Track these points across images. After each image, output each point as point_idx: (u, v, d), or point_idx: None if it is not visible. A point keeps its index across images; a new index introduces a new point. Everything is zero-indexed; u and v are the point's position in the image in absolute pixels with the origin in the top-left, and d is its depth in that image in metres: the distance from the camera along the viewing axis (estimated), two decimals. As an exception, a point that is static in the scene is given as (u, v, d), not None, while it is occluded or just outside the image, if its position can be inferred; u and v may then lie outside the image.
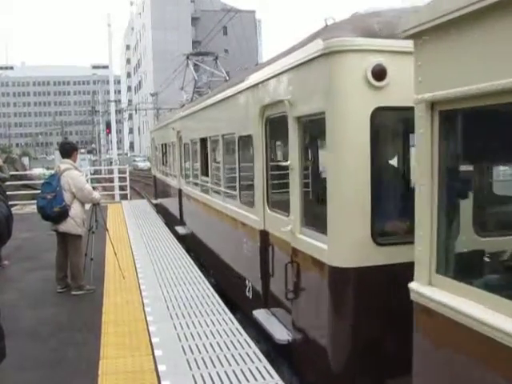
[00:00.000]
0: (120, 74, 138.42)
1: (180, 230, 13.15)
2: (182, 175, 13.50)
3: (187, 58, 17.95)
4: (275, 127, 6.12)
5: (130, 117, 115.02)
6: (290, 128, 5.27)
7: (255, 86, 6.46)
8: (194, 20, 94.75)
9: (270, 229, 6.15)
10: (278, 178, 6.33)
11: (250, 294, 6.98)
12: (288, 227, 5.28)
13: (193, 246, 11.97)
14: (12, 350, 3.47)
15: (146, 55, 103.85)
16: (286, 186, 5.58)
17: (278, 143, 6.73)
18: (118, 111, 65.09)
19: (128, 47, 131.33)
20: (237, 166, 7.57)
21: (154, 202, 21.23)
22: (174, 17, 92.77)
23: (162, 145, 18.00)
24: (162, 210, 18.42)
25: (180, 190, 13.65)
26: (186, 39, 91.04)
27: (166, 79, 67.32)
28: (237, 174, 7.60)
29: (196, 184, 11.22)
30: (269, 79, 5.89)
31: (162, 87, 69.57)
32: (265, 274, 6.26)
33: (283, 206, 5.65)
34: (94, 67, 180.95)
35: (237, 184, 7.63)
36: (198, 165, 10.98)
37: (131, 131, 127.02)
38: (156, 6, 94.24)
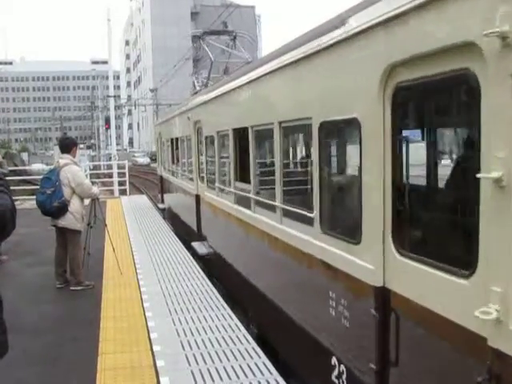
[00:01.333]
0: (119, 70, 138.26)
1: (199, 247, 10.10)
2: (200, 178, 10.70)
3: (199, 38, 15.46)
4: (420, 100, 3.67)
5: (130, 112, 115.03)
6: (497, 96, 2.46)
7: (369, 30, 3.55)
8: (194, 15, 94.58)
9: (403, 290, 3.39)
10: (425, 198, 4.17)
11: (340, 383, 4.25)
12: (490, 311, 2.53)
13: (220, 272, 9.11)
14: (11, 346, 3.45)
15: (146, 51, 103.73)
16: (454, 213, 3.43)
17: (428, 130, 4.15)
18: (118, 107, 65.07)
19: (127, 43, 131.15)
20: (314, 170, 4.66)
21: (161, 206, 18.44)
22: (174, 12, 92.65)
23: (172, 140, 15.20)
24: (171, 217, 16.03)
25: (198, 197, 10.88)
26: (186, 34, 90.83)
27: (165, 75, 67.34)
28: (314, 184, 4.69)
29: (226, 192, 8.25)
30: (412, 10, 3.04)
31: (162, 83, 69.54)
32: (383, 360, 3.62)
33: (447, 255, 3.19)
34: (94, 62, 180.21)
35: (314, 200, 4.67)
36: (229, 165, 7.99)
37: (130, 127, 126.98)
38: (155, 1, 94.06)
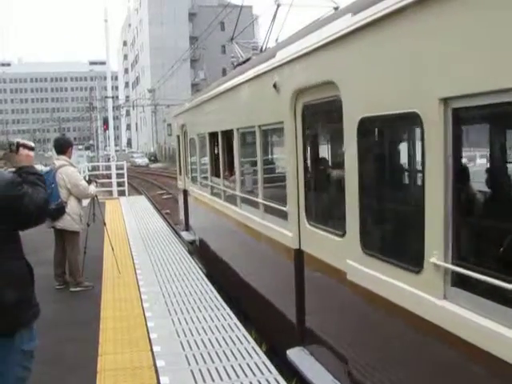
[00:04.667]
0: (117, 70, 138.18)
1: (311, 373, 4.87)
2: (314, 216, 5.18)
3: None
4: None
5: (128, 113, 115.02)
6: None
7: None
8: (192, 15, 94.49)
9: None
10: None
11: None
12: None
13: None
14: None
15: (144, 51, 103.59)
16: None
17: None
18: (116, 107, 65.01)
19: (125, 43, 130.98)
20: None
21: (188, 237, 12.64)
22: (171, 12, 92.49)
23: (215, 134, 9.32)
24: (207, 258, 10.60)
25: (300, 255, 5.36)
26: (184, 35, 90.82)
27: (163, 75, 67.32)
28: None
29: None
30: None
31: (160, 83, 69.53)
32: None
33: None
34: (92, 63, 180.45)
35: None
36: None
37: (128, 127, 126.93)
38: (153, 1, 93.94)
